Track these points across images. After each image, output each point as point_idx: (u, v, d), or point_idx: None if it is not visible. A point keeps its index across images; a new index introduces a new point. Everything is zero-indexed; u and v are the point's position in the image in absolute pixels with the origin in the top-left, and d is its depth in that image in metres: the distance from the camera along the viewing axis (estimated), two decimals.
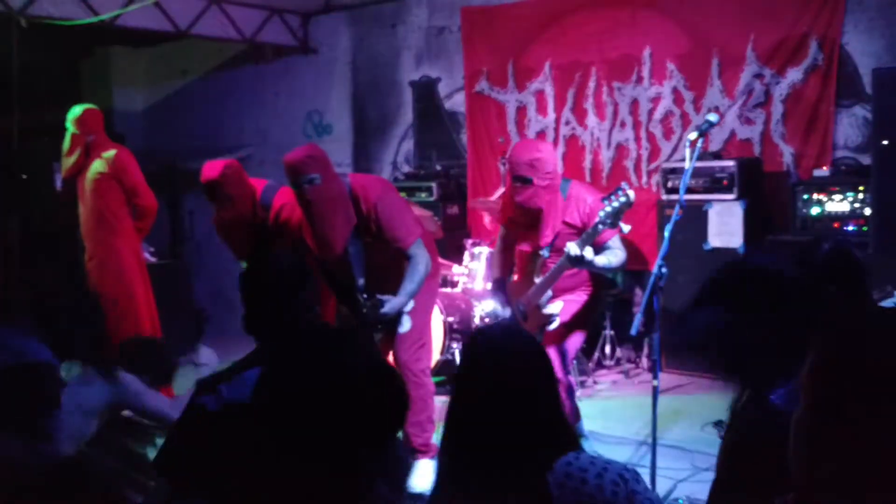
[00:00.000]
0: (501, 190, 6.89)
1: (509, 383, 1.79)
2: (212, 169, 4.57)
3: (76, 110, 5.51)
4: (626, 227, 3.96)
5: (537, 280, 4.28)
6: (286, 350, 1.63)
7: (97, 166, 5.47)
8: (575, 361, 5.29)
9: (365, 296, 4.17)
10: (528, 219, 4.27)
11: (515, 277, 4.65)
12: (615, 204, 3.80)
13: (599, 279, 4.44)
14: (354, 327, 4.21)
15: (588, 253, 3.95)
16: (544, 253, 4.25)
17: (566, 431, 1.85)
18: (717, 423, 2.62)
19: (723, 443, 1.94)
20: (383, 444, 1.60)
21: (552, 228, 4.21)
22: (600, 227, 3.87)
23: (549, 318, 4.26)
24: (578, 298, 4.36)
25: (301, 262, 2.84)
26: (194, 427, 2.39)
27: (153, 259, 5.95)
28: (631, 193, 3.80)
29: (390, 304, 4.06)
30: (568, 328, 4.31)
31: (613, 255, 4.12)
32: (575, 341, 4.38)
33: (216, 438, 2.33)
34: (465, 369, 1.91)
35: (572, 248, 3.93)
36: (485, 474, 1.73)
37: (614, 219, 3.83)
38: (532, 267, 4.36)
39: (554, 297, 4.31)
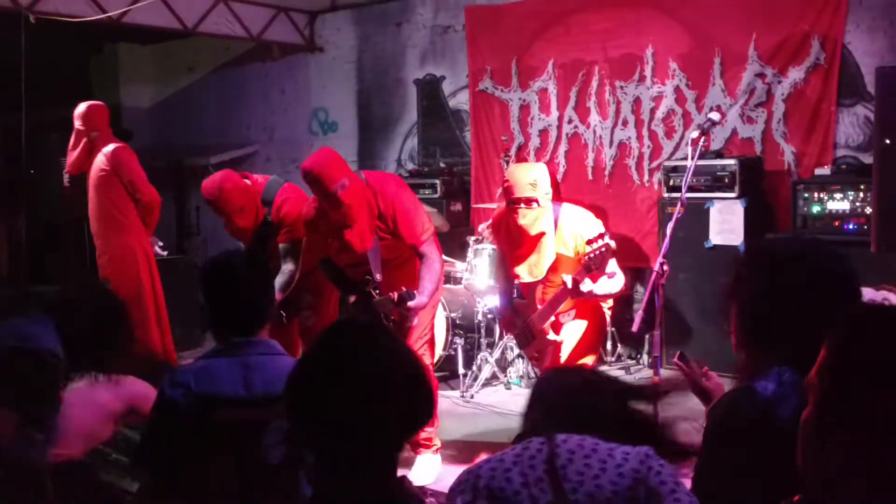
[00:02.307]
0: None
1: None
2: (210, 187, 4.60)
3: (81, 106, 5.56)
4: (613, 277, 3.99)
5: (539, 305, 4.26)
6: (320, 344, 1.64)
7: (99, 162, 5.52)
8: None
9: (378, 291, 4.21)
10: (523, 248, 4.15)
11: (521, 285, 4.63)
12: (598, 251, 3.79)
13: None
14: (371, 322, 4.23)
15: (586, 284, 3.93)
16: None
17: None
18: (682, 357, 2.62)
19: (709, 426, 1.96)
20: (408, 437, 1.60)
21: (548, 258, 4.10)
22: (586, 270, 3.86)
23: (556, 343, 4.25)
24: (583, 322, 4.30)
25: None
26: (167, 421, 2.45)
27: (164, 253, 5.98)
28: (611, 242, 3.76)
29: (414, 301, 4.04)
30: (575, 355, 4.27)
31: (613, 282, 4.08)
32: (583, 352, 4.32)
33: (191, 431, 2.37)
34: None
35: (569, 280, 3.90)
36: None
37: (600, 265, 3.81)
38: (534, 290, 4.32)
39: (560, 312, 4.29)
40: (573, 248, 4.05)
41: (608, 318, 4.44)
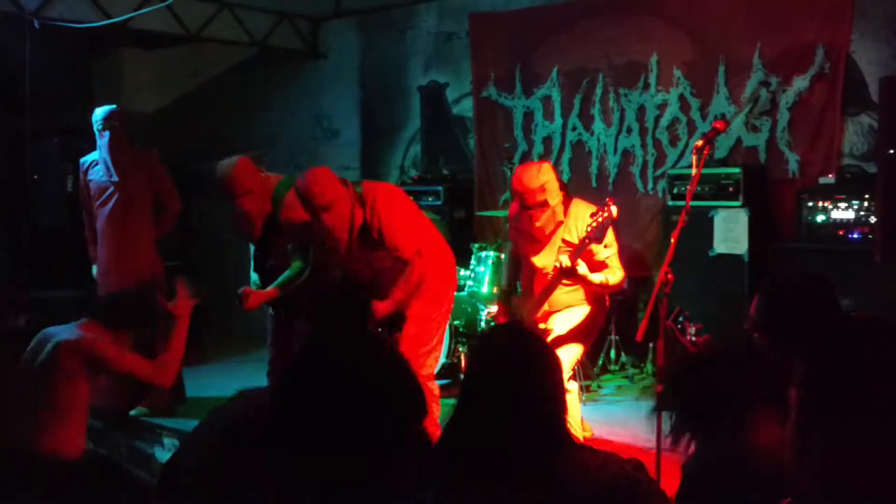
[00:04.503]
0: (507, 194, 6.91)
1: (514, 384, 1.81)
2: (225, 165, 4.76)
3: (112, 108, 5.55)
4: (608, 251, 4.03)
5: (536, 294, 4.32)
6: (310, 355, 1.63)
7: (133, 165, 5.60)
8: (579, 368, 5.30)
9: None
10: (541, 243, 4.33)
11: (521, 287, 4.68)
12: (599, 219, 3.88)
13: (600, 297, 4.44)
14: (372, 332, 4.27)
15: (581, 267, 4.00)
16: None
17: (566, 430, 1.87)
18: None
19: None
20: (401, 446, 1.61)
21: (555, 245, 4.26)
22: (587, 241, 3.93)
23: (545, 332, 4.29)
24: (577, 313, 4.37)
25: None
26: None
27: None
28: (613, 209, 3.86)
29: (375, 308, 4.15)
30: (564, 339, 4.31)
31: (611, 274, 4.15)
32: (570, 352, 4.34)
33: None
34: (472, 370, 1.93)
35: (564, 259, 3.96)
36: (487, 472, 1.74)
37: (600, 234, 3.90)
38: (534, 281, 4.38)
39: (554, 311, 4.34)
40: (576, 235, 4.15)
41: (604, 315, 4.52)
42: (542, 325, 4.29)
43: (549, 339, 4.28)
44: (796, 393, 1.36)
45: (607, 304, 4.62)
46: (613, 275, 4.16)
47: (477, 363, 1.96)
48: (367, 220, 4.21)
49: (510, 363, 1.85)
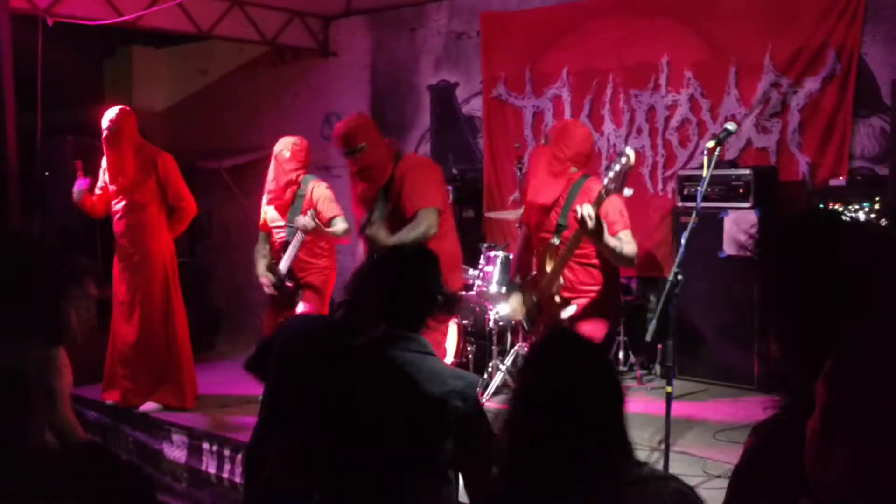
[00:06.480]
0: (515, 195, 6.92)
1: (571, 395, 1.68)
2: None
3: (117, 110, 5.51)
4: (628, 191, 3.92)
5: (549, 268, 4.27)
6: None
7: (147, 167, 5.57)
8: None
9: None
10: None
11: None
12: (616, 168, 3.79)
13: (610, 275, 4.40)
14: None
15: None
16: (555, 240, 4.25)
17: (627, 439, 1.74)
18: None
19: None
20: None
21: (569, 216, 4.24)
22: (604, 193, 3.86)
23: (564, 308, 4.24)
24: (592, 290, 4.34)
25: None
26: None
27: None
28: (631, 154, 3.76)
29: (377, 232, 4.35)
30: (585, 317, 4.26)
31: (625, 244, 4.08)
32: (595, 328, 4.28)
33: None
34: (525, 382, 1.79)
35: (586, 207, 3.86)
36: (549, 484, 1.66)
37: (618, 183, 3.81)
38: (545, 260, 4.34)
39: (566, 289, 4.30)
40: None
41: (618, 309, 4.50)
42: (558, 300, 4.23)
43: (567, 313, 4.24)
44: (820, 388, 1.32)
45: (621, 299, 4.57)
46: (627, 245, 4.08)
47: (529, 383, 1.77)
48: (394, 177, 4.22)
49: (567, 381, 1.69)
